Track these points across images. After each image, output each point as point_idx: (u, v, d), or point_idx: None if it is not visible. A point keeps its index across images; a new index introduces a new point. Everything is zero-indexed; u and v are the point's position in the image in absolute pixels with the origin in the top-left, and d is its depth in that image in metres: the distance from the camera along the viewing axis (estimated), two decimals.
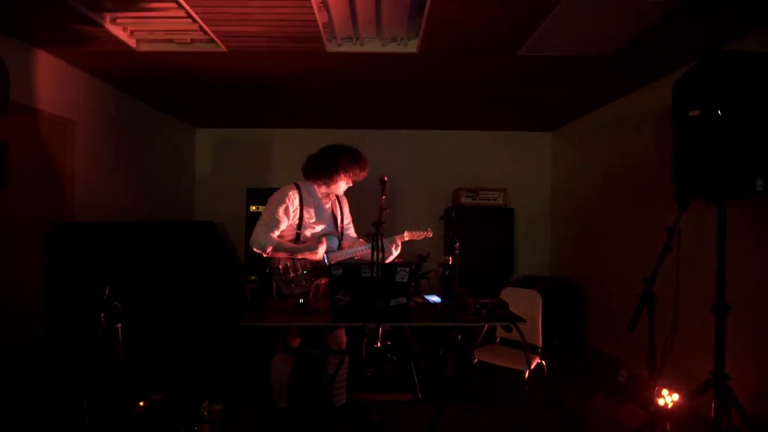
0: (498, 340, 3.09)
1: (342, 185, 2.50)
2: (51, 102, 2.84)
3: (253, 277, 4.33)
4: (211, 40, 2.56)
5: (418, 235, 2.46)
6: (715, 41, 2.43)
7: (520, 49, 2.60)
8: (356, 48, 2.66)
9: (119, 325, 1.87)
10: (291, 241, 2.46)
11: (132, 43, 2.58)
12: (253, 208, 4.32)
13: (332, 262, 2.37)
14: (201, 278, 3.85)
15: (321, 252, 2.40)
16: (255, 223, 4.16)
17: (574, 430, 2.63)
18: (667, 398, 2.71)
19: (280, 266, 2.40)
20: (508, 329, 1.88)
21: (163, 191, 4.32)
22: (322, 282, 2.43)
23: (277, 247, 2.35)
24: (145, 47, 2.64)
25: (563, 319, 4.05)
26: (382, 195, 1.95)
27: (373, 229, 1.74)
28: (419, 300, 2.26)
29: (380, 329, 1.76)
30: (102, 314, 1.80)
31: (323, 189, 2.52)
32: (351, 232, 2.74)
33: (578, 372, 3.70)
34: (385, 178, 2.03)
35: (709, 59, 1.83)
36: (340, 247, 2.60)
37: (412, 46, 2.64)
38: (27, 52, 2.65)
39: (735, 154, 1.79)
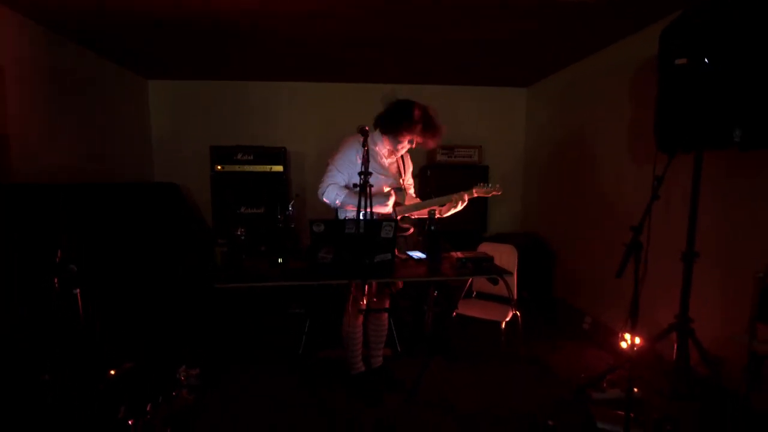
0: (474, 293, 3.15)
1: (405, 144, 2.34)
2: None
3: (221, 241, 4.15)
4: None
5: (487, 191, 2.28)
6: None
7: None
8: None
9: (77, 290, 1.70)
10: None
11: None
12: (219, 167, 4.06)
13: (400, 216, 2.27)
14: (165, 244, 3.64)
15: (390, 205, 2.27)
16: (221, 183, 4.03)
17: (545, 376, 2.78)
18: (631, 342, 2.90)
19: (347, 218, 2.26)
20: (495, 282, 1.88)
21: (116, 151, 3.95)
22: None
23: (347, 200, 2.21)
24: None
25: (532, 273, 4.19)
26: (363, 146, 1.84)
27: (360, 180, 1.64)
28: (402, 256, 2.22)
29: (366, 287, 1.71)
30: (55, 279, 1.62)
31: (389, 144, 2.37)
32: (411, 192, 2.62)
33: (546, 322, 3.89)
34: (366, 128, 1.91)
35: (698, 5, 1.78)
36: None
37: None
38: None
39: (717, 103, 1.80)
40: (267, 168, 4.10)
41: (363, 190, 1.70)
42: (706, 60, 1.74)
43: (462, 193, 2.28)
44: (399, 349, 3.06)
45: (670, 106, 1.92)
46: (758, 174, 2.18)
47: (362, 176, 1.73)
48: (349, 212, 2.26)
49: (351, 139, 2.30)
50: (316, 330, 3.11)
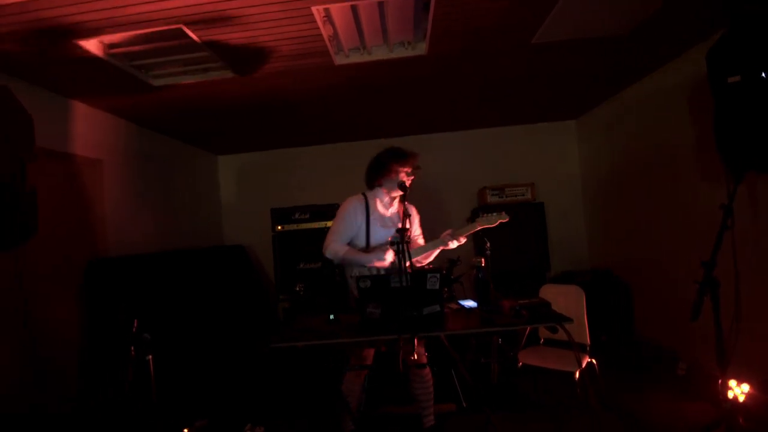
0: (542, 341, 2.93)
1: (401, 180, 2.40)
2: (80, 145, 2.97)
3: (283, 296, 4.34)
4: (222, 67, 2.60)
5: (490, 221, 2.32)
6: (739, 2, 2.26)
7: (533, 37, 2.50)
8: (364, 57, 2.64)
9: (150, 357, 1.88)
10: (361, 249, 2.43)
11: (148, 79, 2.66)
12: (279, 227, 4.35)
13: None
14: (233, 302, 3.89)
15: (389, 259, 2.33)
16: (282, 242, 4.31)
17: None
18: (737, 390, 2.48)
19: (354, 276, 2.35)
20: (554, 330, 1.76)
21: (191, 219, 4.42)
22: None
23: (347, 256, 2.34)
24: (161, 81, 2.71)
25: (609, 312, 3.83)
26: (403, 201, 1.89)
27: (398, 237, 1.68)
28: (454, 306, 2.16)
29: (416, 340, 1.69)
30: (132, 347, 1.82)
31: (386, 196, 2.46)
32: (420, 241, 2.66)
33: (632, 368, 3.47)
34: (407, 184, 1.98)
35: (740, 23, 1.69)
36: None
37: (420, 49, 2.59)
38: (55, 101, 2.80)
39: None
40: (322, 224, 4.31)
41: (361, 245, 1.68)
42: (763, 74, 1.61)
43: (449, 231, 2.32)
44: (464, 404, 2.90)
45: (730, 126, 1.77)
46: None
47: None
48: (355, 268, 2.34)
49: (350, 199, 2.44)
50: (376, 384, 3.05)
